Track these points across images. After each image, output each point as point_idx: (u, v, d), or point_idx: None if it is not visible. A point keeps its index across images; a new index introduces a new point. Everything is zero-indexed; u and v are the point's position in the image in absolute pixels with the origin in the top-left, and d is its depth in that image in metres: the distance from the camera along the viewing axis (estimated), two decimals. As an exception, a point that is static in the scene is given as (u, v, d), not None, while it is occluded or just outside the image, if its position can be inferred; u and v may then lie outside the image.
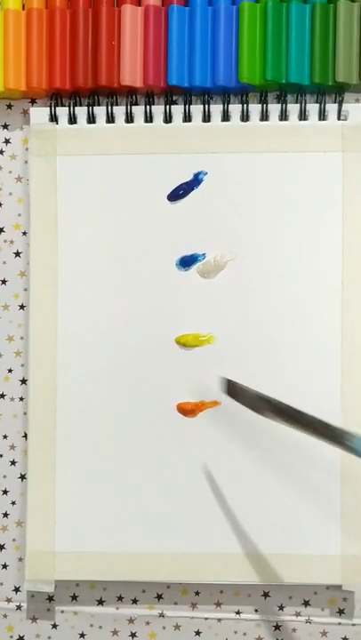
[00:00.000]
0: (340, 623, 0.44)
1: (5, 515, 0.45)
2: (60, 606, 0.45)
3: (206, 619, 0.45)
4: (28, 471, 0.44)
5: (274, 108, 0.43)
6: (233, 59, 0.43)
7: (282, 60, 0.43)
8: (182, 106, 0.43)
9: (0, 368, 0.45)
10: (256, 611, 0.44)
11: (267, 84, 0.43)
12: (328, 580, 0.43)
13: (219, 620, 0.45)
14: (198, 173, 0.43)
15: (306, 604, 0.44)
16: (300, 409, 0.35)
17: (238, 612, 0.44)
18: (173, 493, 0.43)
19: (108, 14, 0.43)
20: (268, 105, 0.43)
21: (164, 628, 0.45)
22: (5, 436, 0.45)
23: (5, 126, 0.45)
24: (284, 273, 0.43)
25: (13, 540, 0.45)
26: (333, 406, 0.42)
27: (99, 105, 0.44)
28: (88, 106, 0.44)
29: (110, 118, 0.44)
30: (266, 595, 0.44)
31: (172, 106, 0.44)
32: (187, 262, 0.44)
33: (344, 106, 0.43)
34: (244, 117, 0.43)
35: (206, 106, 0.43)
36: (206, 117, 0.43)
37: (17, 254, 0.45)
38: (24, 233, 0.45)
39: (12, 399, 0.45)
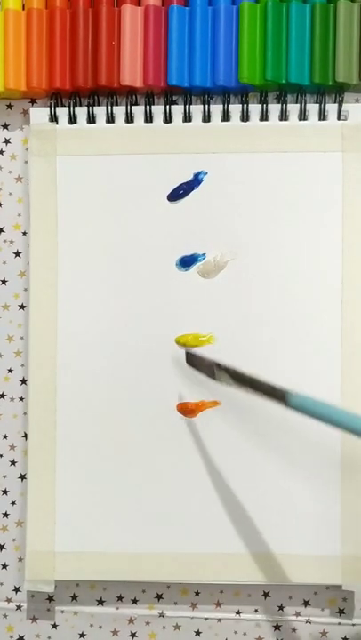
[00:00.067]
0: (340, 623, 0.44)
1: (5, 515, 0.45)
2: (60, 606, 0.45)
3: (206, 619, 0.45)
4: (28, 471, 0.44)
5: (274, 108, 0.43)
6: (233, 59, 0.43)
7: (282, 59, 0.43)
8: (182, 106, 0.43)
9: (0, 368, 0.45)
10: (256, 611, 0.44)
11: (267, 84, 0.43)
12: (328, 580, 0.43)
13: (219, 619, 0.45)
14: (198, 173, 0.43)
15: (306, 603, 0.44)
16: (251, 374, 0.37)
17: (238, 612, 0.44)
18: (173, 493, 0.43)
19: (108, 14, 0.43)
20: (268, 105, 0.43)
21: (164, 628, 0.45)
22: (5, 436, 0.45)
23: (5, 126, 0.45)
24: (284, 273, 0.43)
25: (13, 540, 0.45)
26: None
27: (99, 105, 0.44)
28: (88, 106, 0.44)
29: (110, 118, 0.44)
30: (266, 595, 0.44)
31: (172, 106, 0.44)
32: (187, 262, 0.44)
33: (344, 106, 0.43)
34: (244, 117, 0.43)
35: (206, 106, 0.43)
36: (206, 117, 0.43)
37: (17, 254, 0.45)
38: (24, 233, 0.45)
39: (12, 399, 0.45)
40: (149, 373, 0.43)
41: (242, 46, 0.43)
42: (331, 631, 0.44)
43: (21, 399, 0.45)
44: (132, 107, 0.44)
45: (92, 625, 0.45)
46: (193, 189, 0.43)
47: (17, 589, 0.45)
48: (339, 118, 0.43)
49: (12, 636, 0.45)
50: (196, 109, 0.43)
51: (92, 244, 0.44)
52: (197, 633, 0.45)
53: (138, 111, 0.44)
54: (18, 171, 0.45)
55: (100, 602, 0.45)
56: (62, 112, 0.44)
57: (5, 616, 0.45)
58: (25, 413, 0.45)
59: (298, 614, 0.44)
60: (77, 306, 0.44)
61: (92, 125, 0.44)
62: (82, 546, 0.44)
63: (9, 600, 0.45)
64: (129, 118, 0.44)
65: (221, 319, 0.43)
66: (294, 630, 0.44)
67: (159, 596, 0.45)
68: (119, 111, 0.44)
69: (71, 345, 0.44)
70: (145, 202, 0.44)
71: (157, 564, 0.43)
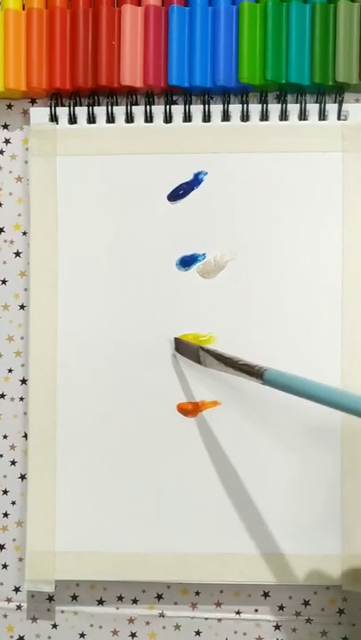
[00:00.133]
0: (340, 623, 0.44)
1: (5, 515, 0.45)
2: (60, 606, 0.45)
3: (206, 619, 0.45)
4: (28, 471, 0.44)
5: (274, 108, 0.43)
6: (233, 59, 0.43)
7: (282, 59, 0.43)
8: (182, 106, 0.43)
9: (0, 368, 0.45)
10: (256, 611, 0.44)
11: (267, 84, 0.43)
12: (328, 580, 0.43)
13: (219, 619, 0.45)
14: (198, 173, 0.43)
15: (306, 604, 0.44)
16: (231, 354, 0.39)
17: (238, 612, 0.44)
18: (173, 493, 0.43)
19: (108, 14, 0.43)
20: (268, 105, 0.43)
21: (164, 627, 0.45)
22: (5, 436, 0.45)
23: (5, 126, 0.45)
24: (284, 273, 0.43)
25: (13, 539, 0.45)
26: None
27: (99, 105, 0.44)
28: (88, 106, 0.44)
29: (110, 118, 0.44)
30: (266, 595, 0.44)
31: (172, 106, 0.44)
32: (187, 262, 0.44)
33: (344, 106, 0.43)
34: (244, 117, 0.43)
35: (206, 106, 0.43)
36: (206, 117, 0.43)
37: (17, 254, 0.45)
38: (24, 233, 0.45)
39: (12, 399, 0.45)
40: (149, 373, 0.43)
41: (242, 46, 0.43)
42: (331, 631, 0.44)
43: (21, 399, 0.45)
44: (132, 107, 0.44)
45: (92, 625, 0.45)
46: (193, 189, 0.43)
47: (17, 589, 0.45)
48: (339, 118, 0.43)
49: (12, 636, 0.45)
50: (196, 109, 0.43)
51: (92, 244, 0.44)
52: (197, 633, 0.45)
53: (138, 111, 0.44)
54: (18, 171, 0.45)
55: (100, 602, 0.45)
56: (62, 112, 0.44)
57: (5, 616, 0.45)
58: (25, 413, 0.45)
59: (298, 614, 0.44)
60: (77, 306, 0.44)
61: (92, 125, 0.44)
62: (82, 546, 0.44)
63: (9, 600, 0.45)
64: (129, 118, 0.44)
65: (221, 319, 0.43)
66: (294, 630, 0.44)
67: (159, 596, 0.45)
68: (119, 111, 0.44)
69: (71, 345, 0.44)
70: (145, 202, 0.44)
71: (157, 564, 0.43)
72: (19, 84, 0.44)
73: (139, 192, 0.43)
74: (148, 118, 0.44)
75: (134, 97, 0.44)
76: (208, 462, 0.43)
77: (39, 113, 0.44)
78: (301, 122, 0.43)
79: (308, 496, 0.43)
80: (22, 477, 0.45)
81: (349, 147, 0.43)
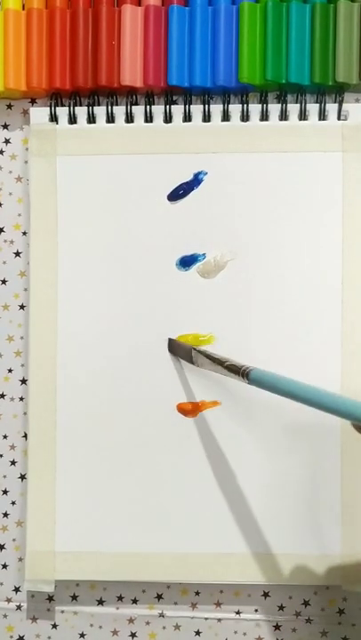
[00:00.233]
0: (340, 623, 0.44)
1: (5, 515, 0.45)
2: (60, 606, 0.45)
3: (206, 619, 0.45)
4: (28, 471, 0.44)
5: (274, 108, 0.43)
6: (233, 59, 0.43)
7: (282, 59, 0.43)
8: (182, 106, 0.43)
9: (0, 368, 0.45)
10: (256, 611, 0.44)
11: (267, 84, 0.43)
12: (328, 580, 0.43)
13: (219, 619, 0.45)
14: (198, 173, 0.43)
15: (306, 604, 0.44)
16: (221, 355, 0.39)
17: (238, 612, 0.44)
18: (173, 493, 0.43)
19: (108, 14, 0.43)
20: (268, 105, 0.43)
21: (164, 627, 0.45)
22: (5, 436, 0.45)
23: (5, 126, 0.45)
24: (284, 273, 0.43)
25: (13, 539, 0.45)
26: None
27: (99, 105, 0.44)
28: (88, 106, 0.44)
29: (110, 118, 0.44)
30: (266, 595, 0.44)
31: (172, 106, 0.44)
32: (187, 262, 0.44)
33: (344, 106, 0.43)
34: (244, 117, 0.43)
35: (206, 106, 0.43)
36: (206, 117, 0.43)
37: (17, 254, 0.45)
38: (24, 233, 0.45)
39: (12, 399, 0.45)
40: (149, 373, 0.43)
41: (242, 46, 0.43)
42: (331, 631, 0.44)
43: (21, 399, 0.45)
44: (132, 107, 0.44)
45: (92, 625, 0.45)
46: (193, 189, 0.43)
47: (17, 589, 0.45)
48: (339, 118, 0.43)
49: (12, 636, 0.45)
50: (196, 109, 0.43)
51: (92, 244, 0.44)
52: (197, 633, 0.45)
53: (138, 111, 0.44)
54: (18, 171, 0.45)
55: (100, 602, 0.45)
56: (62, 112, 0.44)
57: (5, 616, 0.45)
58: (25, 413, 0.45)
59: (298, 614, 0.44)
60: (77, 306, 0.44)
61: (92, 125, 0.44)
62: (82, 546, 0.44)
63: (9, 600, 0.45)
64: (129, 118, 0.44)
65: (221, 319, 0.43)
66: (294, 630, 0.44)
67: (159, 596, 0.45)
68: (119, 111, 0.44)
69: (71, 345, 0.44)
70: (145, 202, 0.44)
71: (157, 564, 0.43)
72: (19, 84, 0.44)
73: (139, 192, 0.43)
74: (148, 118, 0.44)
75: (134, 97, 0.44)
76: (208, 462, 0.43)
77: (39, 113, 0.44)
78: (301, 122, 0.43)
79: (307, 496, 0.43)
80: (22, 477, 0.45)
81: (349, 147, 0.43)
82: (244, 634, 0.44)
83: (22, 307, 0.45)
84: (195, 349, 0.41)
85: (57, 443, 0.44)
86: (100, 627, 0.45)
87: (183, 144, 0.43)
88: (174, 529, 0.43)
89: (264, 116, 0.43)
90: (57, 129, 0.44)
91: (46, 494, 0.44)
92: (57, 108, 0.44)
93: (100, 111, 0.44)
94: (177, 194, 0.43)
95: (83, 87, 0.44)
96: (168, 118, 0.44)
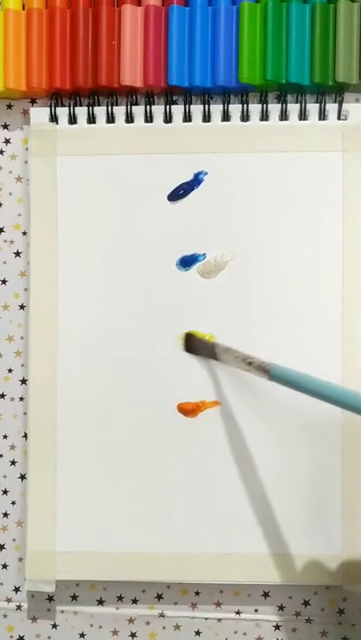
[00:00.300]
0: (340, 623, 0.44)
1: (5, 515, 0.45)
2: (60, 606, 0.45)
3: (206, 619, 0.45)
4: (28, 471, 0.44)
5: (274, 108, 0.43)
6: (233, 59, 0.43)
7: (282, 59, 0.43)
8: (182, 106, 0.43)
9: (0, 368, 0.45)
10: (256, 611, 0.44)
11: (267, 84, 0.43)
12: (328, 580, 0.43)
13: (219, 620, 0.45)
14: (198, 173, 0.43)
15: (306, 604, 0.44)
16: (245, 352, 0.40)
17: (238, 612, 0.44)
18: (173, 493, 0.43)
19: (108, 14, 0.43)
20: (268, 105, 0.43)
21: (164, 627, 0.45)
22: (5, 436, 0.45)
23: (5, 126, 0.45)
24: (284, 273, 0.43)
25: (13, 539, 0.45)
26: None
27: (99, 105, 0.44)
28: (88, 106, 0.44)
29: (110, 118, 0.44)
30: (266, 595, 0.44)
31: (172, 106, 0.44)
32: (187, 262, 0.44)
33: (344, 106, 0.43)
34: (244, 117, 0.43)
35: (206, 106, 0.43)
36: (206, 117, 0.43)
37: (17, 254, 0.45)
38: (24, 233, 0.45)
39: (12, 399, 0.45)
40: (149, 373, 0.43)
41: (242, 46, 0.43)
42: (331, 631, 0.44)
43: (21, 399, 0.45)
44: (132, 107, 0.44)
45: (92, 625, 0.45)
46: (193, 189, 0.43)
47: (17, 589, 0.45)
48: (339, 118, 0.43)
49: (12, 636, 0.45)
50: (196, 109, 0.43)
51: (92, 244, 0.44)
52: (197, 633, 0.45)
53: (138, 111, 0.44)
54: (18, 171, 0.45)
55: (100, 602, 0.45)
56: (62, 112, 0.44)
57: (5, 616, 0.45)
58: (25, 413, 0.45)
59: (298, 614, 0.44)
60: (77, 306, 0.44)
61: (93, 125, 0.44)
62: (82, 546, 0.44)
63: (9, 600, 0.45)
64: (129, 118, 0.44)
65: (221, 319, 0.43)
66: (294, 630, 0.44)
67: (159, 596, 0.45)
68: (119, 111, 0.44)
69: (71, 345, 0.44)
70: (145, 202, 0.44)
71: (157, 564, 0.43)
72: (19, 84, 0.44)
73: (139, 192, 0.43)
74: (148, 118, 0.44)
75: (134, 97, 0.44)
76: (208, 462, 0.43)
77: (39, 113, 0.44)
78: (301, 122, 0.43)
79: (308, 496, 0.43)
80: (22, 477, 0.45)
81: (349, 147, 0.43)
82: (244, 634, 0.44)
83: (22, 307, 0.45)
84: (217, 346, 0.42)
85: (57, 443, 0.44)
86: (100, 627, 0.45)
87: (183, 144, 0.43)
88: (174, 529, 0.43)
89: (264, 116, 0.43)
90: (57, 129, 0.44)
91: (46, 494, 0.44)
92: (57, 108, 0.44)
93: (100, 111, 0.44)
94: (177, 194, 0.43)
95: (83, 87, 0.44)
96: (168, 118, 0.44)
